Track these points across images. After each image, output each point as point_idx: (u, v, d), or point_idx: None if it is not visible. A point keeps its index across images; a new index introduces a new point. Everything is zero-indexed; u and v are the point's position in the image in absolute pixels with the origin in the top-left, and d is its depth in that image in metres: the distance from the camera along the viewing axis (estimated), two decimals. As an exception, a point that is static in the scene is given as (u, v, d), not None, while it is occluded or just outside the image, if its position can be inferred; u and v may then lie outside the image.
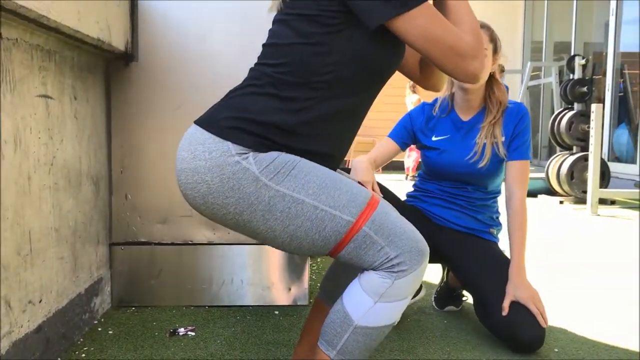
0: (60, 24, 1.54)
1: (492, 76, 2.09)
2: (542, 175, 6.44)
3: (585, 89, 5.94)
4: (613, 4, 7.28)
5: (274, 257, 2.32)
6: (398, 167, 9.37)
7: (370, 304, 1.24)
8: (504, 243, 2.12)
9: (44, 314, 1.67)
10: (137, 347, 1.88)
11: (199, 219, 2.29)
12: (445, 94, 2.17)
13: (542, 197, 6.26)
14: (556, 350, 1.93)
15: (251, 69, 1.31)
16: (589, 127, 5.51)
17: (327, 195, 1.21)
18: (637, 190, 5.64)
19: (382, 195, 1.80)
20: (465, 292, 2.34)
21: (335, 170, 1.36)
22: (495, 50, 2.05)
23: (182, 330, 2.02)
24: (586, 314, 2.33)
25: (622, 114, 7.55)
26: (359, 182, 1.50)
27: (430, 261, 2.22)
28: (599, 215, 5.24)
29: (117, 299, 2.28)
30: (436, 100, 2.20)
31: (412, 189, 2.32)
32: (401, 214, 1.32)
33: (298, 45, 1.24)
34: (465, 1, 1.27)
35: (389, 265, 1.22)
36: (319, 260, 3.17)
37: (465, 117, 2.13)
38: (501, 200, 2.15)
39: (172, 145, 2.25)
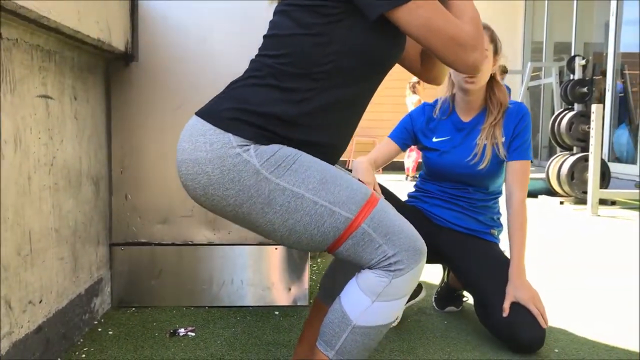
0: (61, 25, 1.54)
1: (492, 77, 2.08)
2: (543, 175, 6.44)
3: (585, 89, 5.94)
4: (613, 4, 7.27)
5: (274, 258, 2.32)
6: (398, 167, 9.37)
7: (368, 303, 1.24)
8: (505, 244, 2.12)
9: (44, 314, 1.67)
10: (137, 348, 1.88)
11: (199, 220, 2.29)
12: (446, 94, 2.16)
13: (542, 198, 6.26)
14: (556, 350, 1.93)
15: (252, 61, 1.32)
16: (589, 128, 5.51)
17: (327, 191, 1.21)
18: (638, 191, 5.64)
19: (382, 197, 1.80)
20: (465, 293, 2.34)
21: (336, 162, 1.36)
22: (496, 51, 2.05)
23: (182, 331, 2.01)
24: (586, 314, 2.33)
25: (622, 115, 7.55)
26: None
27: (431, 262, 2.23)
28: (599, 215, 5.24)
29: (117, 299, 2.28)
30: (437, 101, 2.20)
31: (413, 190, 2.32)
32: (402, 214, 1.32)
33: (299, 36, 1.24)
34: None
35: (386, 264, 1.22)
36: (319, 260, 3.17)
37: (465, 118, 2.13)
38: (502, 201, 2.15)
39: (172, 145, 2.24)
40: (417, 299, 2.24)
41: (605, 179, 5.79)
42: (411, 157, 8.73)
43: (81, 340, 1.93)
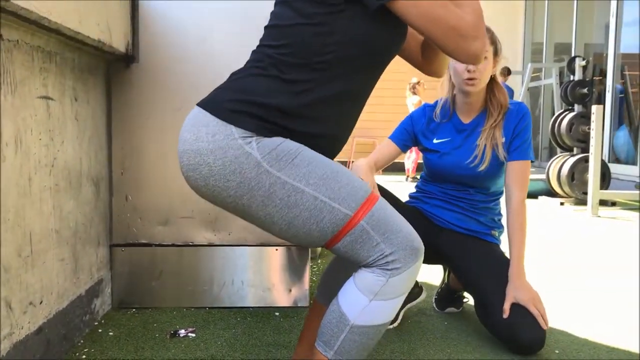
0: (61, 26, 1.54)
1: (492, 79, 2.08)
2: (543, 176, 6.44)
3: (585, 90, 5.94)
4: (613, 5, 7.28)
5: (275, 259, 2.32)
6: (398, 168, 9.36)
7: (365, 302, 1.24)
8: (505, 244, 2.12)
9: (44, 315, 1.67)
10: (138, 349, 1.88)
11: (199, 221, 2.29)
12: (446, 95, 2.16)
13: (542, 199, 6.26)
14: (557, 351, 1.93)
15: (253, 52, 1.32)
16: (589, 129, 5.51)
17: (328, 186, 1.21)
18: (638, 192, 5.64)
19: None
20: (466, 294, 2.34)
21: (336, 155, 1.36)
22: (496, 53, 2.05)
23: (182, 332, 2.01)
24: (587, 315, 2.33)
25: (622, 115, 7.55)
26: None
27: (431, 262, 2.23)
28: (599, 216, 5.24)
29: (117, 300, 2.28)
30: (437, 102, 2.20)
31: (413, 190, 2.32)
32: (402, 215, 1.32)
33: (300, 26, 1.24)
34: None
35: (383, 262, 1.22)
36: (319, 261, 3.17)
37: (466, 119, 2.13)
38: (503, 202, 2.15)
39: (173, 146, 2.25)
40: (417, 300, 2.24)
41: (606, 179, 5.79)
42: (411, 158, 8.72)
43: (82, 341, 1.93)
